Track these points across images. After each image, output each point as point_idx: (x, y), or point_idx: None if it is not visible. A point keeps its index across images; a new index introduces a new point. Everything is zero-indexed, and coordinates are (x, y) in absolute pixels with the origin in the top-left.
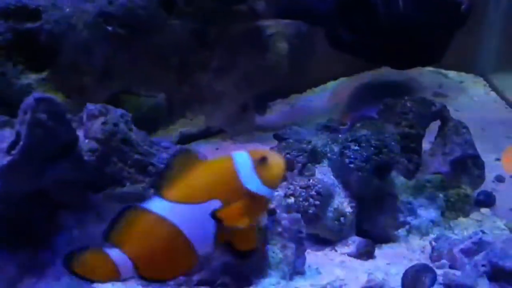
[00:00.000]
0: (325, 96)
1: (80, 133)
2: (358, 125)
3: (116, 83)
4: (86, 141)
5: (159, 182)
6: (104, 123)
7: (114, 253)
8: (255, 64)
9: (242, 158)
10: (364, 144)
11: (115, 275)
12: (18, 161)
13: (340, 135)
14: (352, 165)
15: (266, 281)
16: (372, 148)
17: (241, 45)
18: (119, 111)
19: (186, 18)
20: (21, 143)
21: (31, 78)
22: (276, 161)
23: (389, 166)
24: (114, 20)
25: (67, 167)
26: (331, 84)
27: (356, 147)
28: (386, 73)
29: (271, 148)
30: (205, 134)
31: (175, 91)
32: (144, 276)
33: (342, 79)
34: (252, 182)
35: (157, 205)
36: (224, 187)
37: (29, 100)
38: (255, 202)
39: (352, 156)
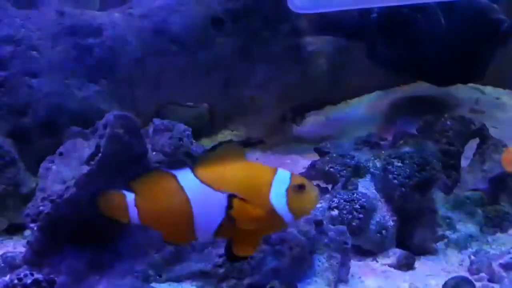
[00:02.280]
0: (360, 108)
1: (147, 146)
2: (401, 142)
3: (164, 95)
4: (154, 153)
5: (197, 159)
6: (170, 138)
7: (129, 197)
8: (295, 79)
9: (283, 175)
10: (407, 161)
11: (125, 216)
12: (95, 170)
13: (383, 151)
14: (395, 181)
15: (312, 287)
16: (415, 165)
17: (283, 60)
18: (183, 126)
19: (232, 36)
20: (100, 155)
21: (91, 90)
22: (311, 194)
23: (430, 182)
24: (166, 36)
25: (137, 174)
26: (366, 97)
27: (400, 164)
28: (421, 88)
29: (313, 162)
30: (245, 144)
31: (218, 103)
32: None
33: (377, 92)
34: (279, 201)
35: (183, 175)
36: (251, 190)
37: (109, 116)
38: (272, 219)
39: (395, 172)
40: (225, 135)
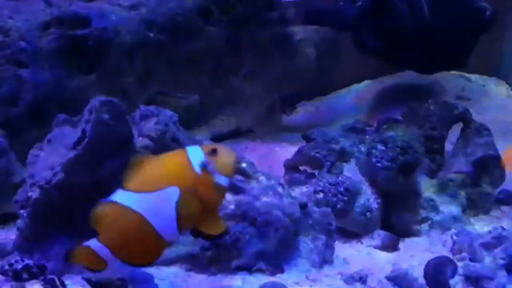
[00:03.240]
0: (349, 98)
1: (134, 131)
2: (385, 126)
3: (155, 85)
4: (140, 138)
5: (121, 178)
6: (156, 123)
7: (93, 244)
8: (283, 68)
9: (194, 150)
10: (390, 145)
11: (102, 263)
12: (82, 155)
13: (367, 136)
14: (379, 164)
15: (298, 268)
16: (398, 149)
17: (271, 50)
18: (169, 112)
19: (220, 25)
20: (86, 139)
21: (80, 80)
22: (226, 152)
23: (413, 165)
24: (155, 26)
25: (124, 162)
26: (354, 87)
27: (383, 148)
28: (409, 76)
29: (301, 148)
30: (235, 134)
31: (208, 93)
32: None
33: (365, 82)
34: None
35: (120, 196)
36: (179, 175)
37: (94, 101)
38: (212, 187)
39: (379, 156)
40: (214, 125)
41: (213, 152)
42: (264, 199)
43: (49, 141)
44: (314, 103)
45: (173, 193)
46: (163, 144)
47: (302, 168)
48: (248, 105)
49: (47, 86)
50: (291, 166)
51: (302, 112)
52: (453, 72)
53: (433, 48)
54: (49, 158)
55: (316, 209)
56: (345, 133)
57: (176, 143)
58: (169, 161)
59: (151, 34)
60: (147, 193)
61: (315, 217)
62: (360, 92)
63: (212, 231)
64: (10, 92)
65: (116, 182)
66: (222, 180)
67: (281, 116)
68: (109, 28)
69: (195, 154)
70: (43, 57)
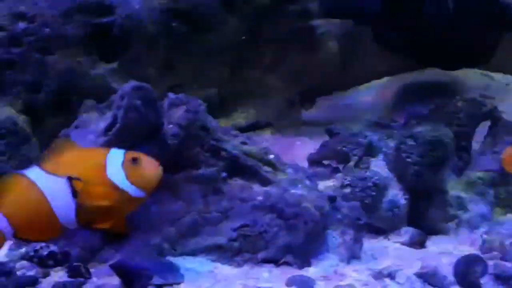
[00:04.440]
0: (368, 95)
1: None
2: (414, 122)
3: (175, 76)
4: (170, 126)
5: (40, 156)
6: (186, 111)
7: None
8: (304, 62)
9: (116, 153)
10: (420, 140)
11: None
12: (112, 141)
13: (394, 131)
14: (408, 159)
15: (326, 263)
16: (428, 144)
17: (293, 42)
18: (198, 100)
19: (242, 16)
20: (117, 125)
21: (103, 68)
22: (150, 165)
23: (443, 162)
24: (178, 16)
25: (152, 149)
26: (374, 83)
27: (413, 143)
28: (430, 74)
29: (325, 142)
30: (254, 127)
31: (227, 85)
32: (18, 235)
33: (385, 78)
34: (117, 176)
35: (32, 172)
36: (89, 169)
37: (126, 87)
38: (118, 195)
39: (408, 151)
40: (233, 118)
41: (134, 160)
42: (292, 191)
43: (76, 127)
44: (332, 98)
45: (77, 183)
46: (192, 132)
47: (326, 162)
48: (267, 98)
49: (70, 73)
50: (315, 160)
51: (320, 107)
52: (476, 70)
53: (456, 44)
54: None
55: (344, 203)
56: (371, 128)
57: (205, 132)
58: (87, 154)
59: (174, 24)
60: (55, 176)
61: (344, 211)
62: (380, 88)
63: (103, 227)
64: (34, 79)
65: None
66: (131, 190)
67: (300, 111)
68: (132, 17)
69: (115, 156)
70: (67, 44)
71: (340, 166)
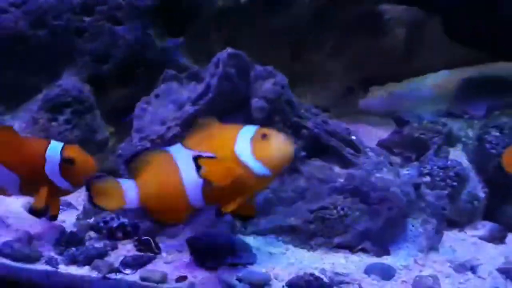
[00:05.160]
0: (426, 86)
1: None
2: (497, 112)
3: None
4: (256, 99)
5: (184, 134)
6: (274, 84)
7: (124, 182)
8: (368, 48)
9: (249, 128)
10: (506, 131)
11: (121, 201)
12: (203, 111)
13: (475, 121)
14: (493, 151)
15: (405, 252)
16: None
17: (358, 27)
18: (282, 75)
19: None
20: (210, 95)
21: (169, 41)
22: (277, 140)
23: None
24: None
25: (239, 121)
26: (430, 75)
27: (498, 133)
28: (492, 67)
29: (397, 129)
30: None
31: (287, 68)
32: (146, 208)
33: (443, 71)
34: (243, 151)
35: (174, 148)
36: (219, 145)
37: (222, 54)
38: (242, 172)
39: (493, 142)
40: None
41: (264, 136)
42: (378, 175)
43: (156, 96)
44: (386, 89)
45: (201, 160)
46: (278, 106)
47: (396, 150)
48: (326, 83)
49: (138, 45)
50: (385, 147)
51: (373, 97)
52: None
53: None
54: (158, 113)
55: (429, 191)
56: (440, 118)
57: (290, 106)
58: (222, 130)
59: (243, 1)
60: (192, 151)
61: (429, 200)
62: (438, 81)
63: (228, 209)
64: (102, 49)
65: None
66: (261, 169)
67: (358, 99)
68: None
69: (246, 133)
70: (138, 15)
71: (413, 155)
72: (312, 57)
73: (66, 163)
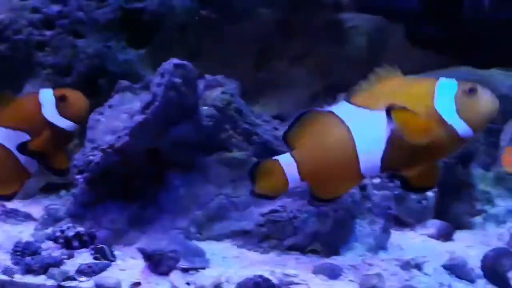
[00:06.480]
0: None
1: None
2: None
3: (202, 64)
4: (205, 107)
5: (352, 90)
6: (223, 93)
7: (283, 157)
8: (331, 55)
9: (448, 82)
10: None
11: (283, 181)
12: (149, 119)
13: None
14: None
15: (353, 252)
16: None
17: (321, 35)
18: (234, 83)
19: (273, 7)
20: (156, 103)
21: (131, 53)
22: (485, 97)
23: (472, 155)
24: (208, 4)
25: (187, 129)
26: None
27: None
28: (458, 72)
29: None
30: (276, 119)
31: (252, 75)
32: (308, 181)
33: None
34: (446, 108)
35: (338, 107)
36: (413, 99)
37: (167, 64)
38: (442, 132)
39: None
40: (256, 110)
41: (471, 91)
42: None
43: (110, 106)
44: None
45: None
46: (227, 114)
47: None
48: (291, 91)
49: (100, 57)
50: None
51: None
52: (499, 71)
53: (491, 43)
54: (111, 123)
55: (376, 192)
56: None
57: (239, 115)
58: (412, 82)
59: (204, 12)
60: (367, 109)
61: (375, 200)
62: None
63: (423, 182)
64: (65, 62)
65: (178, 151)
66: (464, 130)
67: (323, 106)
68: (164, 4)
69: (448, 88)
70: (99, 28)
71: None
72: (276, 65)
73: (60, 101)
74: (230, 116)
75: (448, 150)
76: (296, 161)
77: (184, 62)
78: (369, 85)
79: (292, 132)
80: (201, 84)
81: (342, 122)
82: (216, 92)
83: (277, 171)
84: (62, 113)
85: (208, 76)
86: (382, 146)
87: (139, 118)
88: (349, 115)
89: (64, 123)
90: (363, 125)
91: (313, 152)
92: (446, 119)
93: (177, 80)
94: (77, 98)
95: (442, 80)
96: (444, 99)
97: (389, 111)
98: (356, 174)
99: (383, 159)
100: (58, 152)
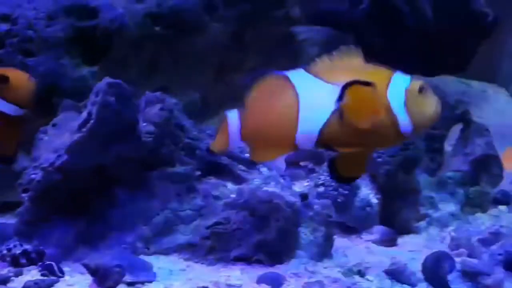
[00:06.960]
0: None
1: (139, 117)
2: None
3: (159, 79)
4: (144, 124)
5: (313, 61)
6: (161, 109)
7: (231, 113)
8: (286, 68)
9: (403, 76)
10: None
11: (225, 137)
12: (86, 137)
13: None
14: (379, 159)
15: (296, 260)
16: None
17: (275, 48)
18: (173, 99)
19: (225, 21)
20: (91, 122)
21: (85, 70)
22: (432, 98)
23: (414, 161)
24: (161, 20)
25: (128, 146)
26: None
27: None
28: None
29: None
30: None
31: (211, 89)
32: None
33: None
34: (396, 99)
35: (295, 74)
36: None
37: (101, 84)
38: (386, 121)
39: (379, 151)
40: (215, 122)
41: (421, 90)
42: (265, 188)
43: (54, 125)
44: None
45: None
46: (166, 130)
47: (303, 163)
48: None
49: (52, 75)
50: (292, 162)
51: None
52: (453, 77)
53: (435, 52)
54: (54, 142)
55: (316, 200)
56: None
57: (180, 130)
58: (370, 68)
59: (157, 28)
60: (320, 80)
61: (316, 209)
62: None
63: (350, 172)
64: None
65: (121, 167)
66: (407, 126)
67: None
68: (116, 20)
69: (400, 80)
70: (50, 46)
71: (317, 167)
72: (234, 77)
73: (0, 82)
74: (170, 131)
75: (385, 141)
76: (239, 119)
77: (117, 81)
78: (330, 60)
79: (248, 92)
80: (142, 102)
81: (293, 88)
82: (154, 109)
83: (223, 126)
84: (6, 96)
85: (148, 93)
86: (324, 119)
87: (75, 136)
88: (302, 83)
89: (10, 108)
90: (312, 95)
91: (257, 113)
92: (393, 109)
93: (111, 99)
94: (19, 78)
95: (398, 73)
96: (396, 90)
97: (349, 85)
98: (291, 142)
99: (321, 132)
100: (6, 138)
